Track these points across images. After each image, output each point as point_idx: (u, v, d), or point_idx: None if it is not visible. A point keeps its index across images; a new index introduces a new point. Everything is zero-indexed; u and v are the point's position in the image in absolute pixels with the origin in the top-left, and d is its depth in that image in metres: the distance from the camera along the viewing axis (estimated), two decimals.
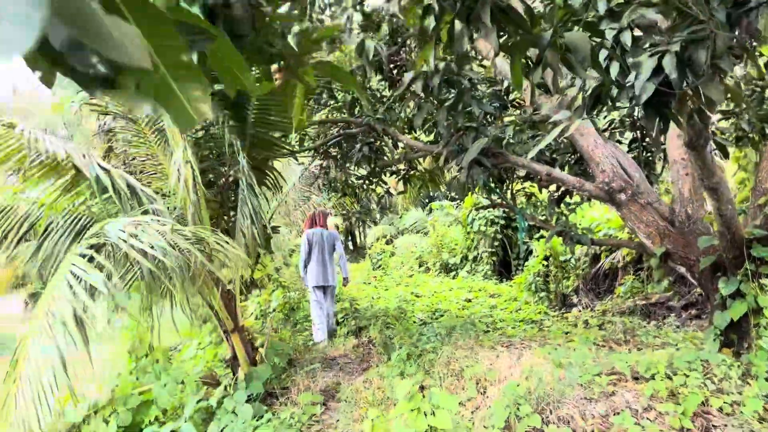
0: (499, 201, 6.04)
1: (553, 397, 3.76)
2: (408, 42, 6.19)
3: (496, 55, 2.45)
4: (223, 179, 4.91)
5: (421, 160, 8.88)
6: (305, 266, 7.02)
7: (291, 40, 1.69)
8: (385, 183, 7.95)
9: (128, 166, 4.66)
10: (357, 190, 7.73)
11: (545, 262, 9.52)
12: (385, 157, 6.87)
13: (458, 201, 12.27)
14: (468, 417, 3.84)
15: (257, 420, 4.16)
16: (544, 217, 6.52)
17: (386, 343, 5.58)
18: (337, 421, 4.27)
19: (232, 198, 4.92)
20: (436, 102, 5.29)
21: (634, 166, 5.07)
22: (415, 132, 6.77)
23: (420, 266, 14.41)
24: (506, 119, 5.30)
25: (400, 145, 7.54)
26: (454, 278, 12.62)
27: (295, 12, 1.73)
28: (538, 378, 4.06)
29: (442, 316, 8.01)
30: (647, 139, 5.83)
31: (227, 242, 3.61)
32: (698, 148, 3.52)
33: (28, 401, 2.43)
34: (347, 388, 4.64)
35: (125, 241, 2.71)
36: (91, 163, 3.48)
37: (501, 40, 2.12)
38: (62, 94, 4.77)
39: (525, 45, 2.10)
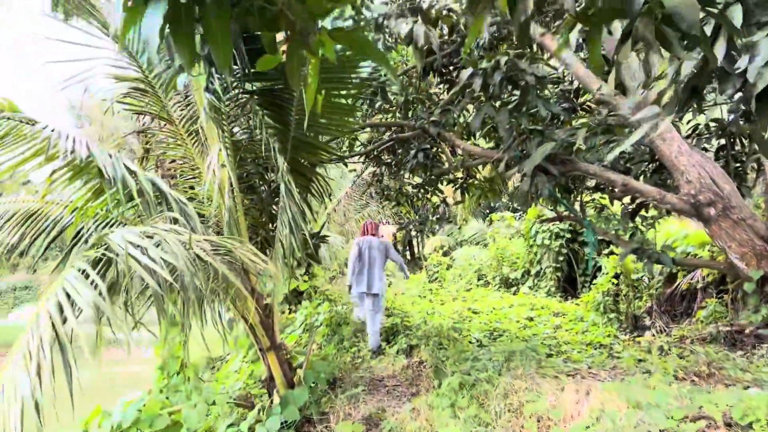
0: (565, 213, 5.46)
1: None
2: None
3: (572, 28, 1.96)
4: (265, 186, 4.60)
5: (480, 167, 8.39)
6: (353, 273, 7.03)
7: None
8: (442, 192, 7.50)
9: (163, 169, 4.42)
10: (411, 199, 7.32)
11: (615, 280, 8.75)
12: (442, 165, 6.43)
13: (521, 212, 11.64)
14: None
15: None
16: (617, 232, 5.87)
17: (438, 366, 5.10)
18: None
19: (275, 206, 4.61)
20: (496, 103, 4.83)
21: (724, 177, 4.42)
22: (474, 138, 6.29)
23: (479, 280, 13.80)
24: (576, 123, 4.75)
25: (458, 152, 7.10)
26: (515, 294, 11.96)
27: None
28: (610, 420, 3.49)
29: (500, 336, 7.43)
30: (737, 147, 5.13)
31: (256, 254, 3.27)
32: None
33: None
34: (392, 417, 4.20)
35: (131, 255, 2.39)
36: (116, 164, 3.22)
37: (579, 7, 1.64)
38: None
39: (609, 14, 1.62)
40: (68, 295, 2.23)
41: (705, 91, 2.62)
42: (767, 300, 6.57)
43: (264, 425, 3.82)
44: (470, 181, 7.18)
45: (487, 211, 21.56)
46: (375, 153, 6.18)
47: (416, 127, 5.25)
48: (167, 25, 1.18)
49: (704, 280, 8.03)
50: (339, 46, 3.93)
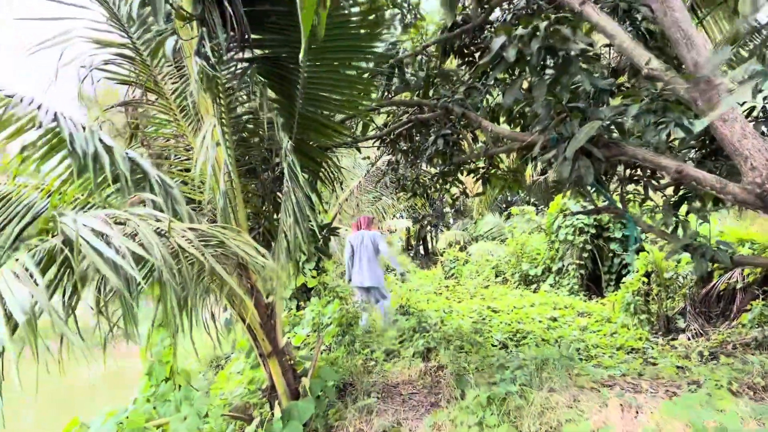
0: (603, 205, 4.87)
1: None
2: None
3: None
4: (269, 172, 4.08)
5: (503, 156, 7.78)
6: (350, 268, 7.45)
7: None
8: (461, 183, 6.93)
9: (151, 148, 3.89)
10: (428, 190, 6.76)
11: (645, 279, 8.15)
12: (463, 153, 5.85)
13: (542, 207, 11.03)
14: None
15: None
16: (663, 227, 5.26)
17: (460, 374, 4.56)
18: None
19: (280, 194, 4.09)
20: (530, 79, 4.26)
21: None
22: (498, 122, 5.70)
23: (497, 276, 13.21)
24: (622, 100, 4.15)
25: (481, 139, 6.51)
26: (535, 291, 11.36)
27: None
28: None
29: (524, 338, 6.88)
30: None
31: (254, 246, 2.75)
32: None
33: None
34: None
35: (90, 245, 1.89)
36: (90, 137, 2.71)
37: None
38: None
39: None
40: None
41: None
42: None
43: None
44: (492, 171, 6.60)
45: (504, 205, 20.95)
46: (391, 137, 5.62)
47: (438, 107, 4.70)
48: None
49: (744, 280, 7.42)
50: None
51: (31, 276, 1.83)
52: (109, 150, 2.76)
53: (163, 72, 3.90)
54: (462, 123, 5.56)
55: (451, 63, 5.84)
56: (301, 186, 3.31)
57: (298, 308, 7.50)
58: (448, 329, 6.40)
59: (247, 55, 3.60)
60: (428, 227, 20.78)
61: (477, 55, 5.59)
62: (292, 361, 3.94)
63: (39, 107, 2.68)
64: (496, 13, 5.36)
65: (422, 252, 22.01)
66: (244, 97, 3.89)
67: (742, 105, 4.95)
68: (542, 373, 4.32)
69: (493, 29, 5.16)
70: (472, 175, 6.50)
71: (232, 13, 3.23)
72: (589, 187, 4.66)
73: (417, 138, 5.97)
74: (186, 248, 2.37)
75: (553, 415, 3.46)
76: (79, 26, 3.53)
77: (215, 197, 3.32)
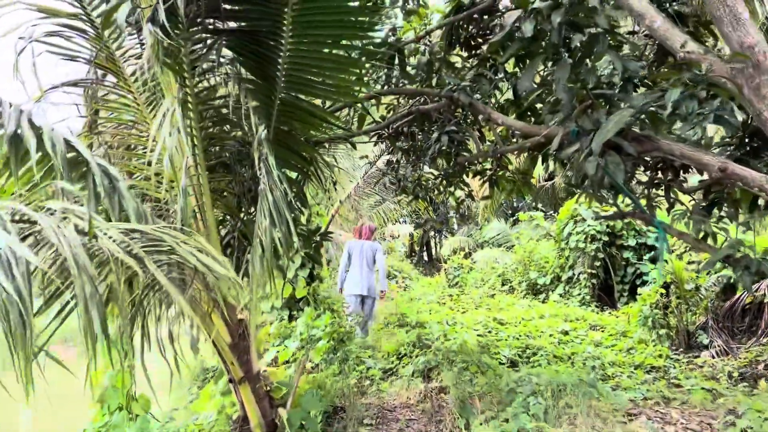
0: (629, 210, 4.30)
1: None
2: None
3: None
4: (246, 166, 3.54)
5: (512, 158, 7.23)
6: (344, 275, 7.38)
7: None
8: (467, 185, 6.38)
9: (97, 132, 3.33)
10: (431, 193, 6.20)
11: (664, 291, 7.56)
12: (469, 153, 5.29)
13: (551, 213, 10.46)
14: None
15: None
16: (698, 235, 4.68)
17: (464, 401, 4.00)
18: None
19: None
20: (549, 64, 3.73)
21: None
22: (507, 113, 5.13)
23: (503, 285, 12.63)
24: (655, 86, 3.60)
25: (489, 138, 5.98)
26: (544, 302, 10.78)
27: None
28: None
29: (535, 354, 6.30)
30: None
31: (209, 252, 2.21)
32: None
33: None
34: None
35: None
36: (13, 114, 2.20)
37: None
38: None
39: None
40: None
41: None
42: None
43: None
44: (500, 173, 6.02)
45: (510, 211, 20.39)
46: (390, 130, 5.08)
47: (442, 96, 4.16)
48: None
49: None
50: None
51: None
52: (36, 128, 2.23)
53: (123, 48, 3.37)
54: (468, 117, 5.02)
55: (457, 56, 5.32)
56: (275, 181, 2.77)
57: (291, 318, 6.94)
58: (451, 344, 5.84)
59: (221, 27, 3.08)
60: (431, 232, 20.19)
61: (485, 48, 5.07)
62: (268, 388, 3.39)
63: None
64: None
65: (425, 258, 21.42)
66: (219, 79, 3.36)
67: None
68: (559, 401, 3.75)
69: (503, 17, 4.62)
70: (478, 177, 5.94)
71: None
72: (610, 189, 4.10)
73: (419, 136, 5.44)
74: (114, 253, 1.83)
75: None
76: None
77: (173, 194, 2.79)
